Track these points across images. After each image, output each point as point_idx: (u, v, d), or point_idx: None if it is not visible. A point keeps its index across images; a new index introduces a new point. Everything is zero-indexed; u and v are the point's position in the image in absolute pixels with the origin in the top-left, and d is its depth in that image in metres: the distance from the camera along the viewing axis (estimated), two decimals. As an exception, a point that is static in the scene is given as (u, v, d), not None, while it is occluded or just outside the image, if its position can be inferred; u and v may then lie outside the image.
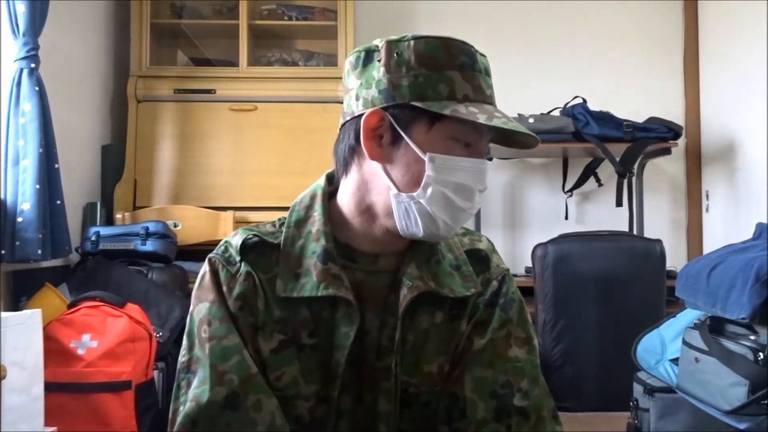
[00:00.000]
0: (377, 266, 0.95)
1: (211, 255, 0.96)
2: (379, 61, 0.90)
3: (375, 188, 0.93)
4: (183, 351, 0.92)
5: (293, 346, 0.91)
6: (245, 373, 0.87)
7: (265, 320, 0.92)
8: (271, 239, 0.95)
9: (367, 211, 0.94)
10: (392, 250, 0.96)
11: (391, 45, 0.90)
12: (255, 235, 0.95)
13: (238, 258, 0.93)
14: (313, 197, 0.98)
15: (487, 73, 0.92)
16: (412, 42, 0.90)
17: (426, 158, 0.88)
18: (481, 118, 0.86)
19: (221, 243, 0.97)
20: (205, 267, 0.95)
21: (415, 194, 0.89)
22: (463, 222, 0.94)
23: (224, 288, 0.92)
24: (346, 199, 0.96)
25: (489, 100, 0.91)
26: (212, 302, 0.91)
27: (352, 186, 0.95)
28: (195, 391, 0.87)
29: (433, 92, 0.88)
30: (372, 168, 0.92)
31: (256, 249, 0.94)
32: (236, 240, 0.95)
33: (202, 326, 0.91)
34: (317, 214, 0.96)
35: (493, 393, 0.91)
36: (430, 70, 0.88)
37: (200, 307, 0.92)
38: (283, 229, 0.96)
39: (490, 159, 3.24)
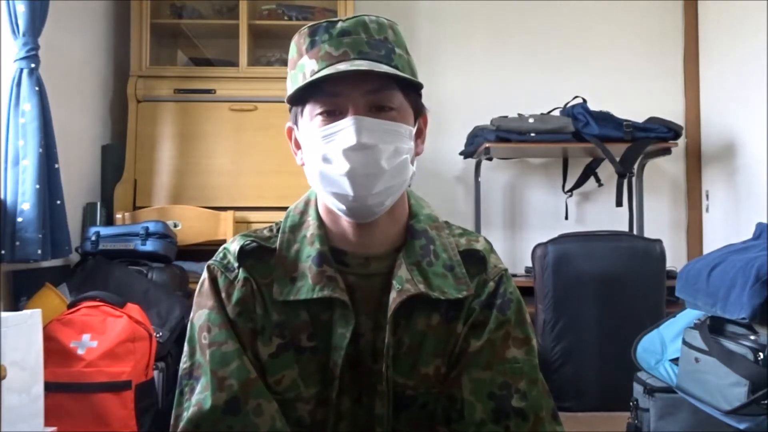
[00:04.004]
0: (369, 269, 0.95)
1: (210, 262, 0.97)
2: None
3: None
4: (184, 357, 0.93)
5: (292, 350, 0.92)
6: (245, 378, 0.88)
7: (264, 324, 0.92)
8: (268, 244, 0.96)
9: (330, 210, 0.96)
10: (380, 251, 0.96)
11: None
12: (253, 241, 0.96)
13: (236, 264, 0.94)
14: (307, 203, 1.00)
15: (345, 33, 0.89)
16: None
17: (303, 143, 0.94)
18: (302, 79, 0.89)
19: (219, 250, 0.98)
20: (204, 274, 0.96)
21: (313, 182, 0.94)
22: (372, 185, 0.88)
23: (223, 294, 0.93)
24: (320, 203, 0.99)
25: (340, 59, 0.88)
26: (211, 309, 0.92)
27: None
28: (198, 396, 0.88)
29: (295, 85, 0.91)
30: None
31: (254, 254, 0.95)
32: (234, 246, 0.96)
33: (202, 333, 0.92)
34: (311, 218, 0.97)
35: (491, 394, 0.91)
36: (293, 69, 0.94)
37: (200, 313, 0.93)
38: (279, 234, 0.97)
39: (490, 159, 3.24)
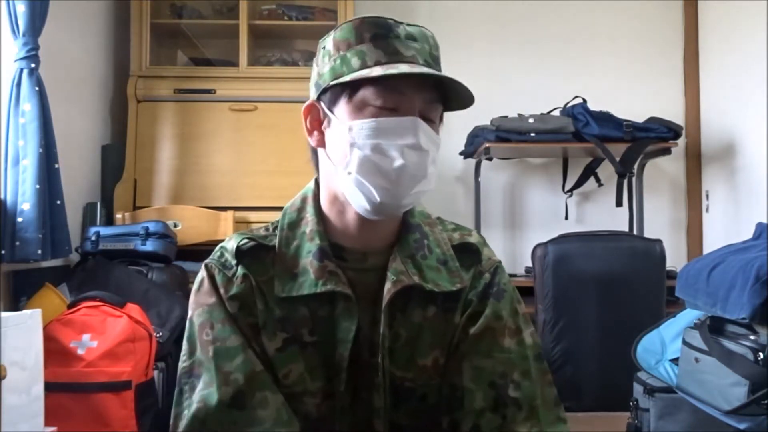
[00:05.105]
0: (366, 264, 0.96)
1: (207, 261, 0.97)
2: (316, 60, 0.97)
3: (331, 176, 0.95)
4: (183, 356, 0.94)
5: (296, 344, 0.93)
6: (249, 370, 0.89)
7: (266, 320, 0.93)
8: (265, 242, 0.97)
9: (336, 200, 0.96)
10: (378, 246, 0.97)
11: (319, 42, 0.97)
12: (250, 239, 0.96)
13: (234, 262, 0.95)
14: (304, 200, 1.01)
15: (412, 38, 0.93)
16: (333, 32, 0.94)
17: (346, 128, 0.90)
18: (376, 72, 0.87)
19: (216, 249, 0.99)
20: (202, 273, 0.97)
21: (346, 167, 0.91)
22: (413, 185, 0.91)
23: (222, 291, 0.93)
24: (323, 194, 0.99)
25: (410, 60, 0.90)
26: (212, 306, 0.93)
27: (322, 180, 0.99)
28: (202, 393, 0.89)
29: (348, 68, 0.90)
30: (324, 156, 0.96)
31: (250, 253, 0.96)
32: (231, 244, 0.97)
33: (203, 330, 0.92)
34: (309, 215, 0.98)
35: (492, 383, 0.93)
36: (345, 51, 0.92)
37: (200, 311, 0.94)
38: (277, 232, 0.98)
39: (490, 159, 3.24)
